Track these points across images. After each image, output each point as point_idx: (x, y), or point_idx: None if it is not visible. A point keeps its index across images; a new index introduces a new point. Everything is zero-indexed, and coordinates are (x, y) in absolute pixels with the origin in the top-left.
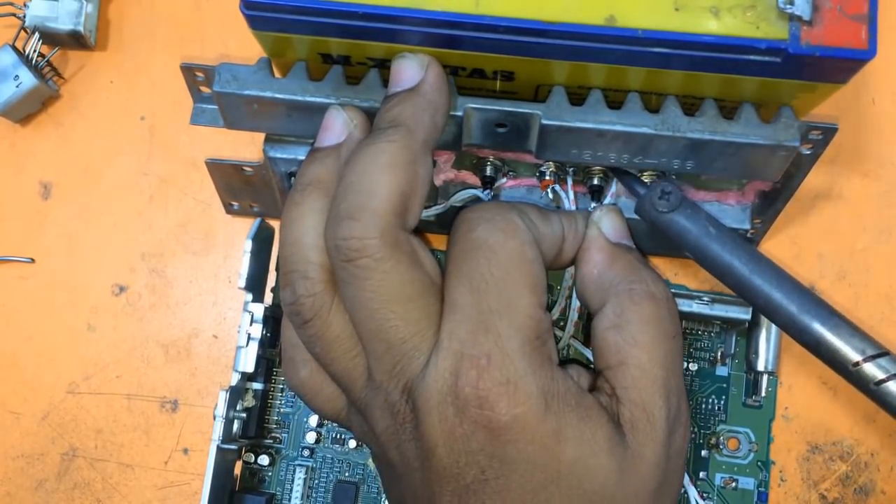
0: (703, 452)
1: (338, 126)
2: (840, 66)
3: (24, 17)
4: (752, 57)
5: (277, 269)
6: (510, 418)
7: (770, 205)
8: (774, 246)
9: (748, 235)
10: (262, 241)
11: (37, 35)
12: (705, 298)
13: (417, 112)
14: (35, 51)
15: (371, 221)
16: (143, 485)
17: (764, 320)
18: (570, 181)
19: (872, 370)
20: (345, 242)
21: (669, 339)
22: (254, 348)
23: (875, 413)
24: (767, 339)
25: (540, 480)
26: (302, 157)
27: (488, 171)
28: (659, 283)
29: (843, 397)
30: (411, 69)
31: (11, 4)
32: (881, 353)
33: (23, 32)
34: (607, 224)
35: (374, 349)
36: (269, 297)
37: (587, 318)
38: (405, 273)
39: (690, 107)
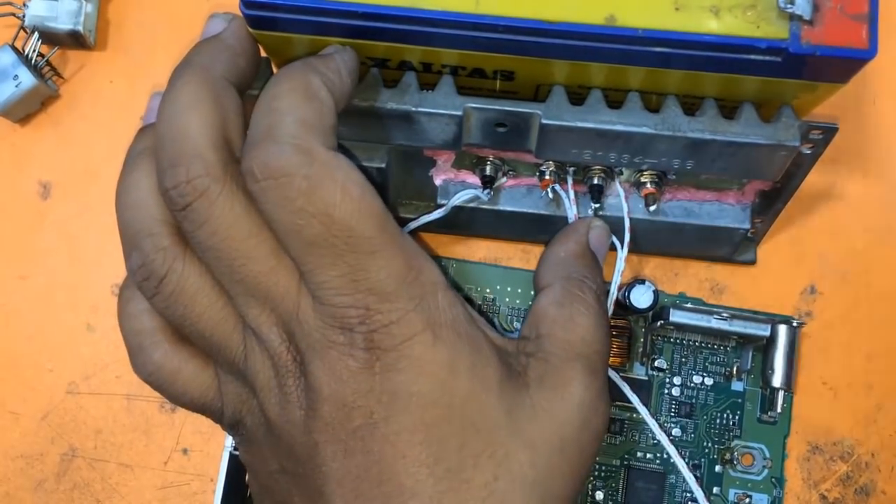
0: (717, 468)
1: (155, 102)
2: (840, 65)
3: (24, 16)
4: (752, 56)
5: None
6: (397, 354)
7: (770, 205)
8: (774, 246)
9: (748, 235)
10: None
11: (36, 35)
12: (724, 314)
13: (213, 53)
14: (34, 51)
15: (192, 162)
16: (143, 485)
17: (781, 337)
18: (570, 181)
19: None
20: (175, 190)
21: (603, 336)
22: None
23: (876, 413)
24: (784, 355)
25: (433, 417)
26: None
27: (488, 170)
28: (600, 281)
29: (844, 398)
30: (214, 24)
31: (11, 4)
32: None
33: (22, 32)
34: (596, 236)
35: (236, 293)
36: None
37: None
38: (244, 205)
39: (691, 106)
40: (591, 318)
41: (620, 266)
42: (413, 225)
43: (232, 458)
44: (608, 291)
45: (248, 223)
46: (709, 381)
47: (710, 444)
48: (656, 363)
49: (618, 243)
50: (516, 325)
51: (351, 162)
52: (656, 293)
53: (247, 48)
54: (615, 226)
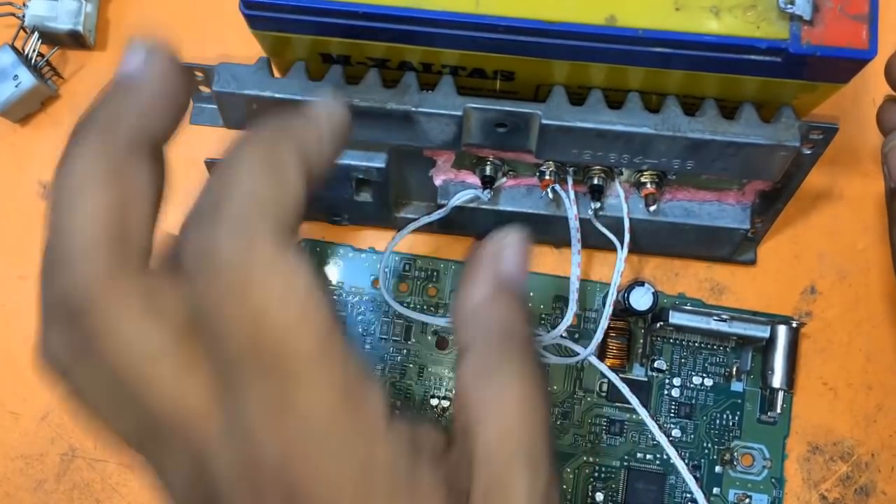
0: (717, 468)
1: (130, 57)
2: (840, 66)
3: (24, 16)
4: (752, 57)
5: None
6: None
7: (770, 205)
8: (774, 246)
9: (748, 235)
10: None
11: (36, 35)
12: (724, 316)
13: (121, 106)
14: (34, 50)
15: (75, 264)
16: (143, 485)
17: (780, 337)
18: (570, 181)
19: None
20: (56, 296)
21: (539, 397)
22: None
23: (875, 413)
24: (783, 356)
25: None
26: None
27: (488, 170)
28: (532, 362)
29: (844, 398)
30: (130, 59)
31: (11, 4)
32: None
33: (22, 32)
34: (509, 254)
35: (136, 419)
36: None
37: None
38: (143, 312)
39: (691, 107)
40: (522, 384)
41: (620, 267)
42: (413, 225)
43: None
44: (607, 293)
45: (148, 336)
46: (708, 382)
47: (709, 445)
48: (656, 364)
49: (618, 244)
50: None
51: (306, 259)
52: (656, 295)
53: (169, 91)
54: (615, 226)
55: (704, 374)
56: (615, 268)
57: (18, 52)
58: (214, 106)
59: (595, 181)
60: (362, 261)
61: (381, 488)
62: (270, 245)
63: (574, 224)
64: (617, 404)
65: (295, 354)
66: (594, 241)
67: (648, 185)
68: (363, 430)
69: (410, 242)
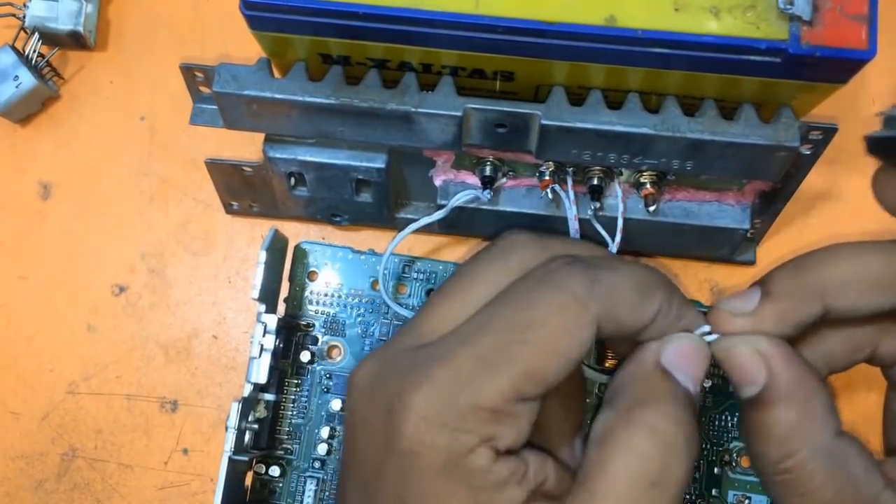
0: (716, 469)
1: None
2: (840, 66)
3: (24, 17)
4: (752, 57)
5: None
6: (408, 446)
7: (770, 205)
8: (774, 246)
9: (748, 235)
10: (276, 251)
11: (36, 35)
12: None
13: None
14: (35, 51)
15: None
16: (143, 485)
17: None
18: (569, 181)
19: None
20: None
21: (645, 484)
22: (266, 359)
23: (876, 413)
24: None
25: None
26: (301, 157)
27: (488, 170)
28: (669, 414)
29: (843, 398)
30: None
31: (11, 5)
32: None
33: (22, 33)
34: (672, 349)
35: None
36: (281, 308)
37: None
38: None
39: (690, 107)
40: (628, 465)
41: None
42: (413, 226)
43: (230, 466)
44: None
45: None
46: (707, 383)
47: (708, 446)
48: None
49: (610, 241)
50: None
51: None
52: None
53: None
54: (615, 226)
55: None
56: None
57: (19, 53)
58: (214, 106)
59: (594, 181)
60: (361, 263)
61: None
62: None
63: (574, 224)
64: None
65: None
66: (594, 242)
67: (648, 186)
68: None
69: (410, 243)
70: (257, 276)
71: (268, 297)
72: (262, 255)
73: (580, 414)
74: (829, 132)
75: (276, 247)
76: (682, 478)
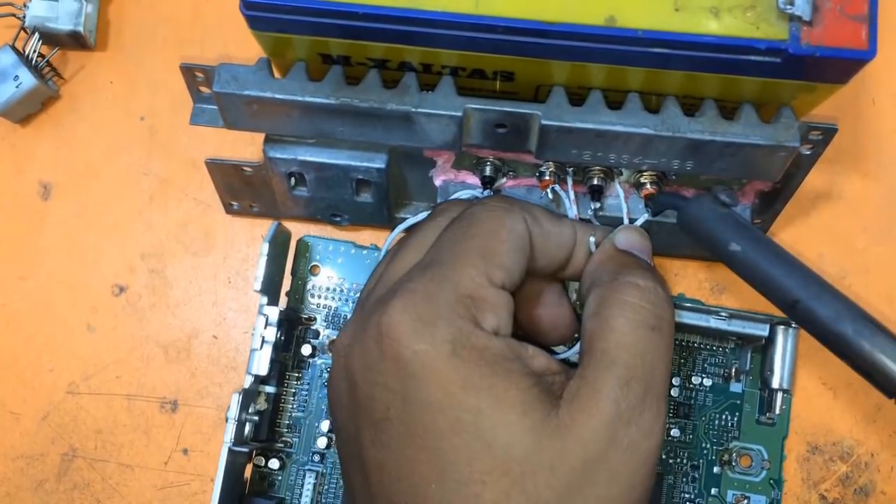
0: (716, 469)
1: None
2: (840, 66)
3: (24, 17)
4: (752, 57)
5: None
6: (412, 353)
7: (770, 205)
8: None
9: None
10: (278, 244)
11: (36, 35)
12: (723, 314)
13: None
14: (35, 51)
15: None
16: (143, 485)
17: (780, 338)
18: (569, 181)
19: None
20: None
21: (646, 329)
22: (267, 351)
23: (875, 413)
24: (783, 357)
25: (441, 427)
26: (302, 157)
27: (488, 171)
28: (648, 276)
29: (843, 398)
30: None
31: (11, 5)
32: None
33: (23, 33)
34: (622, 236)
35: None
36: (283, 301)
37: None
38: None
39: (690, 107)
40: (627, 314)
41: None
42: (412, 220)
43: (230, 457)
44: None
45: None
46: (707, 383)
47: (708, 446)
48: None
49: None
50: None
51: None
52: None
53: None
54: (615, 226)
55: (704, 375)
56: None
57: (19, 53)
58: (214, 106)
59: (595, 182)
60: (363, 257)
61: (468, 351)
62: None
63: None
64: None
65: None
66: None
67: (648, 186)
68: (467, 310)
69: None
70: (259, 268)
71: (270, 289)
72: (265, 247)
73: (571, 328)
74: (829, 132)
75: (279, 240)
76: (672, 322)
